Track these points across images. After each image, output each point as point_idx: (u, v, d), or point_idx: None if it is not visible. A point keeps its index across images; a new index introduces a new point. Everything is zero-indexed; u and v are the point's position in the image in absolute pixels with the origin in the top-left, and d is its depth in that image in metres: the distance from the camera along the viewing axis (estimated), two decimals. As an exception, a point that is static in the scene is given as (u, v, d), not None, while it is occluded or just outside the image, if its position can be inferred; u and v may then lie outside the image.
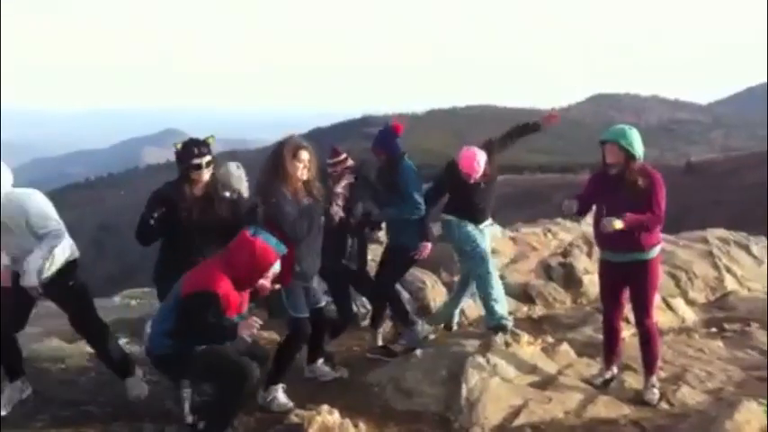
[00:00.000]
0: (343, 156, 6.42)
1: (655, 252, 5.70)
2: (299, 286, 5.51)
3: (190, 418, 5.26)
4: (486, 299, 6.60)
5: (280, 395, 5.53)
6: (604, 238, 5.73)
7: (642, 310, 5.76)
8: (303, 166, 5.44)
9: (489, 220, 7.03)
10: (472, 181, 6.64)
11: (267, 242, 4.69)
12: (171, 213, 5.20)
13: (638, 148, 5.52)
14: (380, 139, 6.63)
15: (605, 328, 6.07)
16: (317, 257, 5.68)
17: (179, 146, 5.21)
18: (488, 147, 6.76)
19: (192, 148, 5.19)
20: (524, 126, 6.98)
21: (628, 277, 5.74)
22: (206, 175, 5.25)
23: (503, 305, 6.61)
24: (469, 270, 6.92)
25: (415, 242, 6.61)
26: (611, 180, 5.63)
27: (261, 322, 4.55)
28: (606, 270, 5.92)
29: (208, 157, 5.23)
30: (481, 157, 6.59)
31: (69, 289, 5.49)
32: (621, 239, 5.54)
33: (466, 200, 6.73)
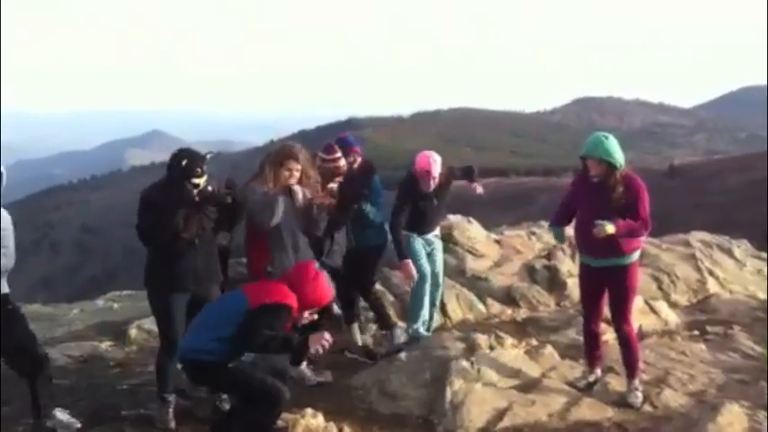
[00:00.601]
0: (338, 155, 6.48)
1: (635, 256, 5.72)
2: None
3: (173, 424, 5.22)
4: (412, 309, 6.91)
5: None
6: (585, 244, 5.76)
7: (620, 314, 5.79)
8: (289, 175, 5.58)
9: (437, 231, 7.20)
10: (431, 180, 6.72)
11: (328, 281, 4.80)
12: (162, 218, 5.08)
13: (619, 156, 5.51)
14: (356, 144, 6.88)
15: (585, 331, 6.09)
16: (294, 256, 5.62)
17: (184, 162, 5.10)
18: (450, 171, 6.97)
19: (195, 168, 5.10)
20: (468, 171, 7.17)
21: (607, 281, 5.75)
22: (194, 194, 5.15)
23: (422, 319, 6.93)
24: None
25: (380, 239, 6.83)
26: (594, 185, 5.64)
27: (331, 340, 4.57)
28: (586, 274, 5.93)
29: (206, 177, 5.16)
30: (437, 158, 6.73)
31: (9, 313, 5.18)
32: (603, 245, 5.55)
33: (417, 212, 6.82)
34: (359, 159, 6.82)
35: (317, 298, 4.72)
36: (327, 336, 4.53)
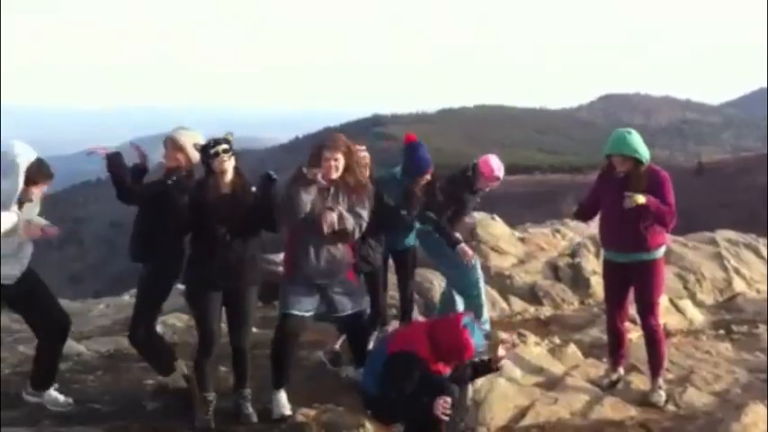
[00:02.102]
0: (363, 147, 6.41)
1: (660, 252, 5.68)
2: (297, 283, 5.32)
3: (213, 424, 5.12)
4: (476, 300, 6.84)
5: (280, 399, 5.35)
6: (610, 238, 5.72)
7: (647, 310, 5.75)
8: (328, 165, 5.20)
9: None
10: (494, 183, 6.77)
11: (471, 337, 4.67)
12: (197, 209, 5.06)
13: (644, 151, 5.49)
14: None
15: (609, 329, 6.07)
16: (318, 254, 5.30)
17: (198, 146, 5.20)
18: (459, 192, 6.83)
19: (208, 141, 5.12)
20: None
21: (632, 278, 5.73)
22: (226, 164, 5.06)
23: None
24: (454, 276, 7.01)
25: (414, 240, 6.77)
26: (618, 180, 5.60)
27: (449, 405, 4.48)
28: (610, 270, 5.90)
29: (224, 146, 5.04)
30: (501, 163, 6.75)
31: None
32: (628, 239, 5.53)
33: (455, 212, 6.71)
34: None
35: (454, 350, 4.64)
36: (447, 399, 4.40)
